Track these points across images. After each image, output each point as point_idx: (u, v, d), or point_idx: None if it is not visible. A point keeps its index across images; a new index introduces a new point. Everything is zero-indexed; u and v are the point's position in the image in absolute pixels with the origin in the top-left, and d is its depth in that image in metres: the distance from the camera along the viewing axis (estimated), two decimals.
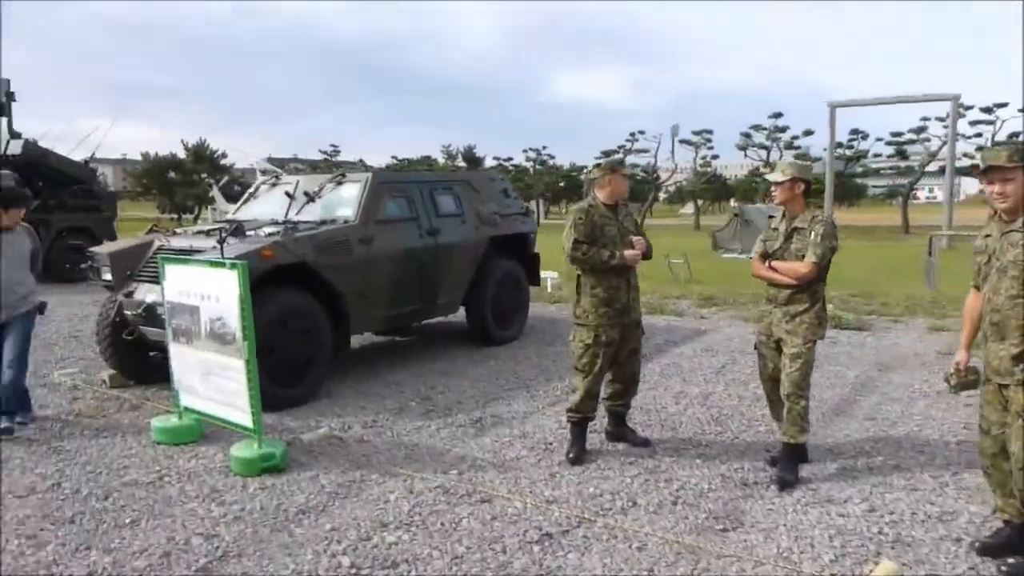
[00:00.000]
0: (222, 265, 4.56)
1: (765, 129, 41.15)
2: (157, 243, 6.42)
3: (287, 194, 7.21)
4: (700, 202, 48.28)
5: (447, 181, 7.93)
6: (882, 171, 42.59)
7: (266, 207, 7.37)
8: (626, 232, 4.68)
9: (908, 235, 35.18)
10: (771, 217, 4.52)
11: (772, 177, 4.27)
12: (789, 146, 41.34)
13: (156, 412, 5.72)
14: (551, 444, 4.99)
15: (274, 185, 7.64)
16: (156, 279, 6.09)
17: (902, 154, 38.98)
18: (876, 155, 39.95)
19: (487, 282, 7.95)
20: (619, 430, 4.99)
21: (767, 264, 4.29)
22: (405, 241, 7.03)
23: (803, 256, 4.13)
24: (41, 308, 5.50)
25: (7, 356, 5.24)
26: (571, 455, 4.65)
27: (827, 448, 4.84)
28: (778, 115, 40.39)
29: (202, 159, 48.34)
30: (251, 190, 7.82)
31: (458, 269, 7.65)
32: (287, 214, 7.04)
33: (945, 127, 35.65)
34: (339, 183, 7.13)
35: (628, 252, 4.58)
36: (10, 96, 14.96)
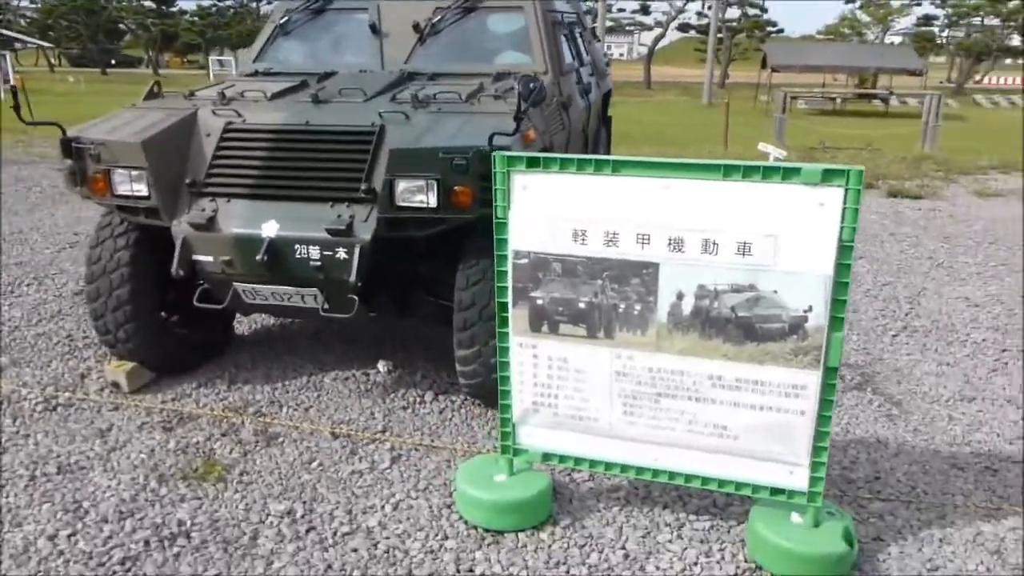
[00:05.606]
0: (775, 173, 2.06)
1: None
2: (217, 122, 3.26)
3: (372, 28, 4.21)
4: None
5: (575, 13, 5.33)
6: (628, 27, 43.63)
7: (326, 51, 4.28)
8: None
9: (651, 90, 36.80)
10: None
11: None
12: None
13: (304, 441, 2.99)
14: None
15: (320, 12, 4.43)
16: (255, 193, 3.12)
17: (645, 10, 40.06)
18: (620, 10, 40.52)
19: None
20: None
21: None
22: (580, 101, 4.56)
23: None
24: None
25: None
26: None
27: None
28: None
29: None
30: (278, 20, 4.45)
31: (595, 140, 5.32)
32: (383, 63, 4.11)
33: None
34: (470, 10, 4.29)
35: None
36: None
